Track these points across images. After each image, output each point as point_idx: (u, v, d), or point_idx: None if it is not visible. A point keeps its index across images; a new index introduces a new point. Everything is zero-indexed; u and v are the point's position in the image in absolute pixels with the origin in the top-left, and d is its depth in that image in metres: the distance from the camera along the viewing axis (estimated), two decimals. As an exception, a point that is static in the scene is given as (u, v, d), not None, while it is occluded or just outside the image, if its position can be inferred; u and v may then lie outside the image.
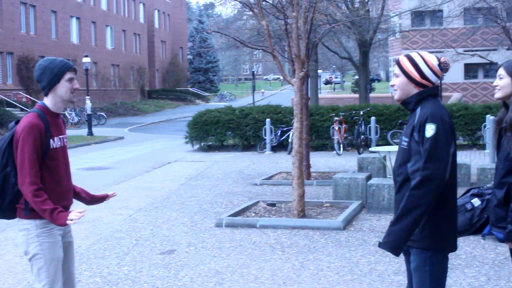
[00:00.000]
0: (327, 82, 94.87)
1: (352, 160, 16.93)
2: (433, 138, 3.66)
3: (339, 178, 10.70)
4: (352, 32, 27.93)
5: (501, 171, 4.21)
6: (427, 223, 3.74)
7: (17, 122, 4.20)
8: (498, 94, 4.31)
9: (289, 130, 19.62)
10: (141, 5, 59.89)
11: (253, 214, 9.83)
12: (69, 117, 36.29)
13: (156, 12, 63.95)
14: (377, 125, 19.24)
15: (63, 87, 4.16)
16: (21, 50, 38.04)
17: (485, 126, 18.20)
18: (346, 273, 6.74)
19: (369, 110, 19.77)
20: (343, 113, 19.65)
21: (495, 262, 7.00)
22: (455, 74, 47.37)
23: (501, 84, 4.28)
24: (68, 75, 4.17)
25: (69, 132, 31.33)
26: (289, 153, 19.02)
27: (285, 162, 17.08)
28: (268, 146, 19.86)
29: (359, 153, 18.29)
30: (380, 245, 3.75)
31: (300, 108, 9.83)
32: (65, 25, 44.54)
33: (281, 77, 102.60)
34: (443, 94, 41.14)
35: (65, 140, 4.29)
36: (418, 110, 3.83)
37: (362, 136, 18.92)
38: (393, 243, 3.67)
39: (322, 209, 10.13)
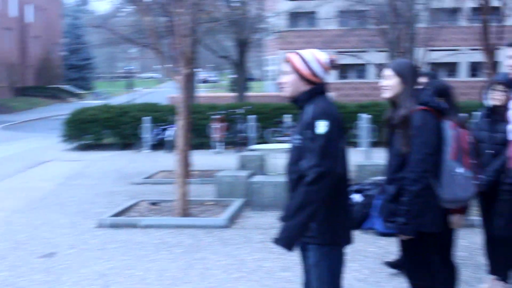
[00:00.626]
0: (204, 81, 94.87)
1: (232, 159, 17.00)
2: (325, 134, 3.70)
3: (221, 176, 10.70)
4: (231, 31, 28.11)
5: (393, 167, 4.35)
6: (323, 219, 3.79)
7: None
8: (387, 94, 4.44)
9: (168, 128, 19.46)
10: (11, -1, 57.56)
11: (136, 214, 9.66)
12: None
13: (29, 7, 61.58)
14: (256, 123, 19.43)
15: None
16: None
17: (357, 124, 18.86)
18: (234, 271, 6.74)
19: (248, 108, 19.93)
20: (222, 112, 19.71)
21: (377, 255, 7.22)
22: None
23: (389, 84, 4.41)
24: None
25: None
26: (167, 152, 18.88)
27: (165, 160, 16.91)
28: (146, 144, 19.60)
29: (239, 152, 18.43)
30: (275, 241, 3.76)
31: (185, 106, 9.76)
32: None
33: (155, 76, 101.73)
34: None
35: None
36: (309, 107, 3.87)
37: (242, 135, 19.06)
38: (288, 240, 3.70)
39: (205, 208, 10.09)
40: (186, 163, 9.75)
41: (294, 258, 7.10)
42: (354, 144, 19.34)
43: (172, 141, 19.11)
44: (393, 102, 4.48)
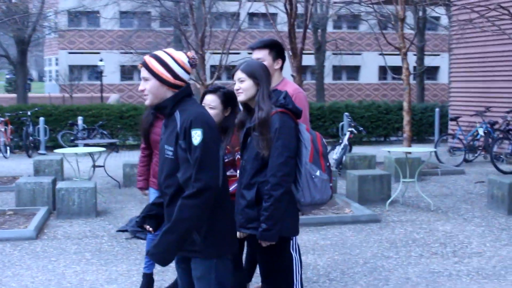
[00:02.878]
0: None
1: (22, 163, 15.97)
2: (201, 145, 3.42)
3: (22, 183, 9.88)
4: (10, 29, 26.45)
5: (250, 171, 4.17)
6: (208, 232, 3.53)
7: None
8: (241, 97, 4.26)
9: None
10: None
11: None
12: None
13: None
14: (46, 126, 18.40)
15: None
16: None
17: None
18: (54, 287, 6.19)
19: (37, 110, 18.81)
20: (8, 114, 18.39)
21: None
22: (110, 76, 47.86)
23: (243, 86, 4.24)
24: None
25: None
26: None
27: None
28: None
29: (29, 156, 17.35)
30: (150, 255, 3.44)
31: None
32: None
33: None
34: (104, 95, 41.29)
35: None
36: (177, 115, 3.56)
37: (31, 138, 17.93)
38: (162, 255, 3.41)
39: (5, 218, 9.26)
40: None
41: (115, 269, 6.74)
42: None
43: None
44: (246, 105, 4.32)
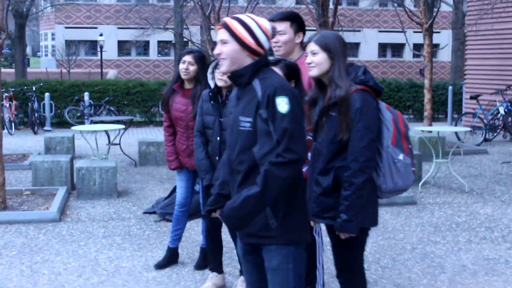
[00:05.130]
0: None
1: (29, 140, 15.52)
2: (290, 113, 3.08)
3: (39, 161, 9.45)
4: (8, 2, 25.82)
5: (326, 155, 3.76)
6: (285, 217, 3.16)
7: None
8: (313, 72, 3.83)
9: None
10: None
11: None
12: None
13: None
14: (51, 101, 17.92)
15: None
16: None
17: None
18: (90, 274, 5.79)
19: (41, 85, 18.30)
20: (12, 89, 17.88)
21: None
22: (110, 51, 47.22)
23: (316, 60, 3.81)
24: None
25: None
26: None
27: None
28: None
29: (34, 132, 16.89)
30: (223, 215, 3.13)
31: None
32: None
33: None
34: (98, 70, 40.69)
35: None
36: (256, 83, 3.19)
37: (36, 114, 17.44)
38: (239, 221, 3.21)
39: (23, 198, 8.85)
40: (2, 148, 8.40)
41: (150, 254, 6.36)
42: (158, 123, 18.65)
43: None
44: (319, 81, 3.90)
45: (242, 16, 3.29)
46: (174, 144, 5.68)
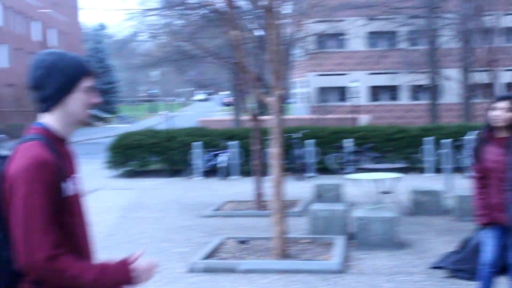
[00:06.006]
0: (227, 104, 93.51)
1: (294, 186, 15.74)
2: None
3: (317, 209, 9.43)
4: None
5: None
6: None
7: (2, 159, 2.49)
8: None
9: (220, 154, 18.28)
10: (37, 23, 56.81)
11: (228, 255, 8.39)
12: (-38, 140, 33.33)
13: (51, 31, 60.92)
14: (314, 148, 18.16)
15: (77, 101, 2.58)
16: None
17: (422, 149, 17.68)
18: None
19: (304, 132, 18.64)
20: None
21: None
22: (361, 97, 47.53)
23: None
24: (85, 82, 2.58)
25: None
26: (222, 179, 17.68)
27: (222, 189, 15.71)
28: (198, 171, 18.36)
29: (299, 179, 17.15)
30: None
31: (279, 131, 8.59)
32: (-44, 41, 41.27)
33: (180, 99, 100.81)
34: (352, 116, 41.04)
35: (79, 181, 2.64)
36: None
37: (300, 160, 17.75)
38: None
39: (301, 247, 8.83)
40: (281, 196, 8.48)
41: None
42: (420, 170, 18.05)
43: (225, 167, 17.93)
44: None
45: None
46: (486, 198, 5.20)
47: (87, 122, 2.66)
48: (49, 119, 2.54)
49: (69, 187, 2.46)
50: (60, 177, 2.41)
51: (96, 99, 2.62)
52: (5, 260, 2.39)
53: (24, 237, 2.31)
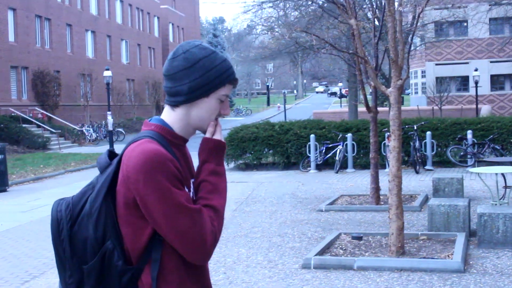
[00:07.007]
0: (342, 96, 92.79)
1: (412, 179, 15.29)
2: None
3: (435, 205, 9.04)
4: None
5: None
6: None
7: (112, 156, 2.31)
8: None
9: (335, 147, 18.04)
10: (155, 19, 58.44)
11: (341, 251, 8.20)
12: (86, 134, 34.74)
13: (170, 26, 62.50)
14: (433, 140, 17.56)
15: (209, 107, 2.31)
16: (36, 65, 36.47)
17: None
18: None
19: (422, 124, 18.06)
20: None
21: None
22: (482, 86, 45.73)
23: None
24: (224, 90, 2.31)
25: (87, 149, 29.80)
26: (336, 172, 17.44)
27: (337, 182, 15.48)
28: (312, 164, 18.20)
29: (416, 172, 16.64)
30: None
31: (398, 124, 8.28)
32: (81, 39, 43.01)
33: (295, 91, 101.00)
34: (471, 106, 39.58)
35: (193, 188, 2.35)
36: None
37: (418, 153, 17.21)
38: None
39: (419, 243, 8.50)
40: (399, 190, 8.17)
41: None
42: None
43: (340, 160, 17.68)
44: None
45: None
46: None
47: (204, 131, 2.35)
48: (171, 116, 2.31)
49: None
50: (179, 178, 2.20)
51: (227, 110, 2.34)
52: (118, 271, 2.17)
53: (181, 236, 2.13)
